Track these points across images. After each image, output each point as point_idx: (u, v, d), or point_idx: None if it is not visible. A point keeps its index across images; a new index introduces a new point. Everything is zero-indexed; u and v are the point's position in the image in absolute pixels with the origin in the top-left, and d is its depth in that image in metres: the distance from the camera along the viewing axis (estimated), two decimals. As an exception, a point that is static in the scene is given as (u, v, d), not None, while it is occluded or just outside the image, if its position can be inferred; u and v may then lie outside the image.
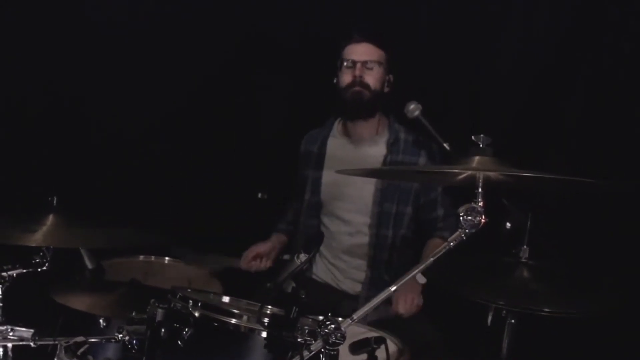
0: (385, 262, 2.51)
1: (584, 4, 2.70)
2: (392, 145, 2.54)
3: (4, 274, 1.95)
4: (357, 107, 2.50)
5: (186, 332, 1.58)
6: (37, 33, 2.84)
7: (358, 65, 2.47)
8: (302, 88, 3.04)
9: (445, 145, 2.35)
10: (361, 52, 2.49)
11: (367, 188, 2.51)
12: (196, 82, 3.02)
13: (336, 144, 2.60)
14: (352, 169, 2.06)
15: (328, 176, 2.55)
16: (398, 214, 2.50)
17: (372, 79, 2.48)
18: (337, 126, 2.65)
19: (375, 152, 2.55)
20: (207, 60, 3.00)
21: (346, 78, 2.50)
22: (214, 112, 3.05)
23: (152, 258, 2.56)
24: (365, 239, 2.51)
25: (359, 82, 2.47)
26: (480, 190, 1.55)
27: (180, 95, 3.00)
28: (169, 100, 2.99)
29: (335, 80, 2.56)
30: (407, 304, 2.33)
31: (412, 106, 2.42)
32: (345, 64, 2.50)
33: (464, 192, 1.62)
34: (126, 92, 2.94)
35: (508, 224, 2.06)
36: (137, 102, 2.95)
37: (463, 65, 2.82)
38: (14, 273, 1.97)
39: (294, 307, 1.51)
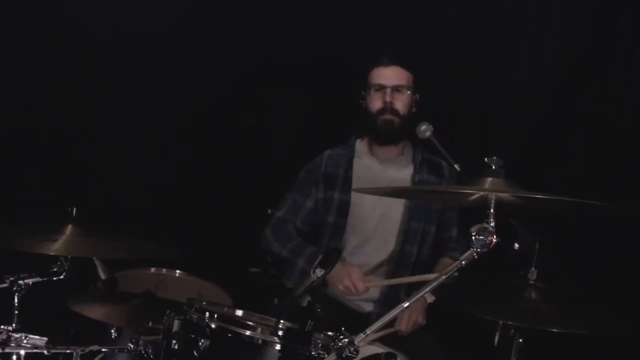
0: None
1: (594, 27, 2.75)
2: (419, 165, 2.58)
3: (20, 282, 1.99)
4: (388, 134, 2.53)
5: (202, 343, 1.61)
6: (58, 47, 2.90)
7: (388, 90, 2.48)
8: (314, 105, 3.09)
9: (455, 166, 2.39)
10: (390, 76, 2.49)
11: (395, 208, 2.52)
12: (210, 99, 3.07)
13: (363, 165, 2.59)
14: (365, 188, 2.09)
15: (356, 198, 2.52)
16: (424, 232, 2.54)
17: (401, 104, 2.49)
18: (360, 146, 2.64)
19: (403, 172, 2.57)
20: (219, 77, 3.04)
21: (376, 103, 2.50)
22: (226, 130, 3.10)
23: (164, 271, 2.58)
24: (387, 258, 2.53)
25: (389, 108, 2.48)
26: (492, 211, 1.59)
27: (195, 112, 3.06)
28: (185, 116, 3.04)
29: (362, 102, 2.56)
30: (409, 323, 2.38)
31: (423, 127, 2.46)
32: (374, 88, 2.50)
33: (474, 214, 1.66)
34: (142, 110, 2.99)
35: (516, 245, 2.09)
36: (154, 119, 3.00)
37: (474, 87, 2.88)
38: (30, 281, 2.00)
39: (309, 321, 1.53)
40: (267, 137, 3.15)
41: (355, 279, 2.34)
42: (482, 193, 1.65)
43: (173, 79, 3.01)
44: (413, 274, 2.54)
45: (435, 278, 1.60)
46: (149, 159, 3.05)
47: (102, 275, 2.19)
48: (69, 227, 1.99)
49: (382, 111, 2.49)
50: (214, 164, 3.10)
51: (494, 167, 1.67)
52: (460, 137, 2.81)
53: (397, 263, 2.53)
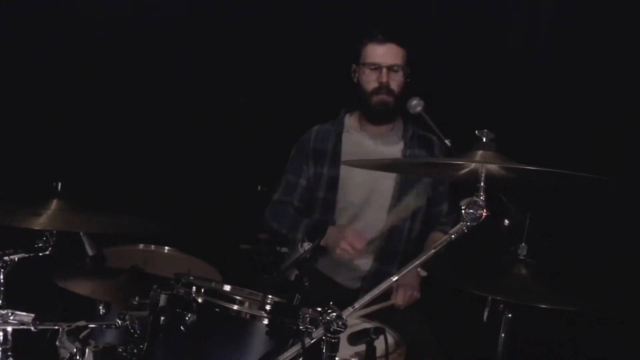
0: (398, 254, 2.52)
1: (589, 6, 2.73)
2: (409, 140, 2.57)
3: (5, 257, 1.96)
4: (383, 114, 2.51)
5: (189, 318, 1.60)
6: (44, 23, 2.85)
7: (384, 70, 2.44)
8: (304, 83, 3.06)
9: (446, 141, 2.37)
10: (386, 54, 2.45)
11: (386, 182, 2.52)
12: (200, 77, 3.03)
13: (352, 140, 2.57)
14: (355, 160, 2.08)
15: (346, 173, 2.51)
16: (416, 206, 2.52)
17: (396, 83, 2.46)
18: (349, 121, 2.62)
19: (394, 147, 2.56)
20: (211, 56, 3.01)
21: (371, 83, 2.46)
22: (216, 107, 3.07)
23: (152, 247, 2.55)
24: (379, 232, 2.52)
25: (385, 88, 2.45)
26: (482, 184, 1.57)
27: (185, 88, 3.02)
28: (175, 93, 3.00)
29: (354, 78, 2.53)
30: (405, 297, 2.39)
31: (414, 102, 2.44)
32: (368, 66, 2.46)
33: (466, 189, 1.64)
34: (133, 84, 2.95)
35: (506, 221, 2.08)
36: (144, 94, 2.96)
37: (465, 61, 2.85)
38: (15, 257, 1.98)
39: (297, 295, 1.52)
40: (258, 115, 3.12)
41: (352, 238, 2.34)
42: (472, 165, 1.63)
43: (164, 59, 2.96)
44: (405, 248, 2.55)
45: (425, 252, 1.58)
46: (138, 135, 3.02)
47: (90, 252, 2.16)
48: (54, 202, 1.96)
49: (377, 91, 2.46)
50: (205, 140, 3.07)
51: (484, 140, 1.65)
52: (451, 114, 2.79)
53: (388, 238, 2.53)
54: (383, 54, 2.45)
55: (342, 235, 2.34)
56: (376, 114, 2.51)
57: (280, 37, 3.01)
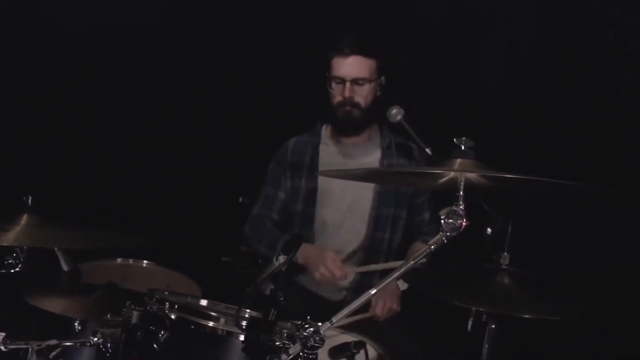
0: None
1: (568, 12, 2.73)
2: (387, 149, 2.54)
3: (-25, 275, 1.91)
4: (349, 125, 2.48)
5: (162, 335, 1.55)
6: (17, 34, 2.81)
7: (347, 84, 2.41)
8: (287, 94, 3.03)
9: (427, 150, 2.35)
10: (350, 68, 2.41)
11: (364, 194, 2.49)
12: (181, 87, 2.99)
13: (329, 152, 2.55)
14: (332, 170, 2.05)
15: (324, 185, 2.48)
16: (395, 217, 2.50)
17: (361, 97, 2.43)
18: (326, 132, 2.59)
19: (371, 157, 2.54)
20: (193, 66, 2.98)
21: (337, 96, 2.44)
22: (196, 117, 3.03)
23: (130, 261, 2.51)
24: (359, 244, 2.49)
25: (349, 102, 2.42)
26: (461, 193, 1.55)
27: (164, 98, 2.98)
28: (152, 103, 2.96)
29: (329, 90, 2.50)
30: (384, 310, 2.36)
31: (394, 110, 2.41)
32: (334, 80, 2.43)
33: (448, 199, 1.61)
34: (109, 94, 2.90)
35: (489, 230, 2.06)
36: (120, 104, 2.92)
37: (446, 69, 2.84)
38: (-17, 275, 1.93)
39: (272, 310, 1.48)
40: (239, 126, 3.08)
41: (332, 265, 2.30)
42: (451, 174, 1.61)
43: (146, 69, 2.92)
44: (386, 260, 2.51)
45: (404, 264, 1.55)
46: (116, 145, 2.96)
47: (65, 267, 2.11)
48: (25, 217, 1.91)
49: (342, 104, 2.44)
50: (185, 151, 3.03)
51: (463, 148, 1.63)
52: (432, 122, 2.78)
53: (369, 250, 2.50)
54: (347, 67, 2.42)
55: (322, 259, 2.31)
56: (342, 127, 2.49)
57: (264, 48, 2.97)
